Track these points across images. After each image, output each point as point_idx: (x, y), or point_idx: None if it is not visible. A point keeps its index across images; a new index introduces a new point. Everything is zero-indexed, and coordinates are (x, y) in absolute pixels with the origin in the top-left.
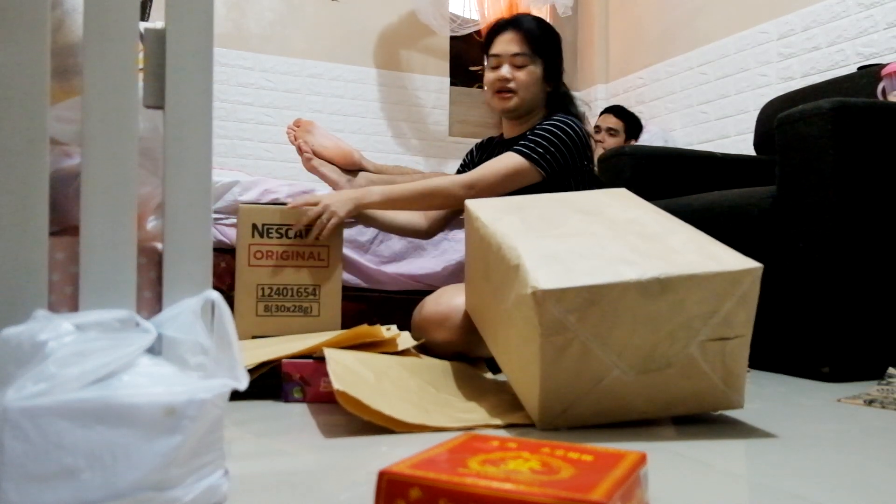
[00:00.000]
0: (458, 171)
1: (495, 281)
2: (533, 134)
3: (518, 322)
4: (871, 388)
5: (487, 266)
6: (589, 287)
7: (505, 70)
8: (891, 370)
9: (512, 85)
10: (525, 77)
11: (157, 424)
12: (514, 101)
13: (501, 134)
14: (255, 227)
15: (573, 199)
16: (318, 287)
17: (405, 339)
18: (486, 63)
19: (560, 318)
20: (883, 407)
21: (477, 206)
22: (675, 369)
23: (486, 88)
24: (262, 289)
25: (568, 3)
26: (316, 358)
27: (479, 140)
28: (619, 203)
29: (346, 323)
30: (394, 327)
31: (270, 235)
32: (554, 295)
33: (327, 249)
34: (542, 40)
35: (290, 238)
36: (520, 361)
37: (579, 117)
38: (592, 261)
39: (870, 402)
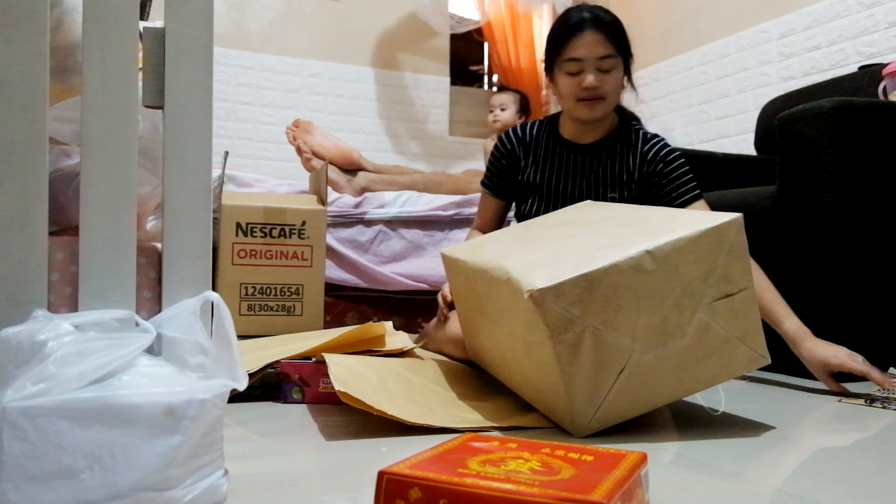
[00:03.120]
0: (492, 167)
1: (491, 308)
2: (680, 173)
3: (525, 334)
4: (872, 387)
5: (479, 298)
6: (584, 275)
7: (592, 78)
8: (892, 370)
9: (601, 91)
10: (614, 81)
11: (156, 424)
12: (602, 109)
13: (543, 122)
14: (238, 225)
15: (542, 220)
16: (302, 286)
17: (405, 339)
18: (557, 67)
19: (564, 313)
20: (884, 407)
21: (453, 251)
22: (692, 338)
23: (560, 94)
24: (246, 287)
25: (567, 2)
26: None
27: (508, 134)
28: (588, 209)
29: (346, 323)
30: (389, 324)
31: (254, 234)
32: (551, 291)
33: (311, 249)
34: (622, 36)
35: (273, 237)
36: (540, 379)
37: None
38: (578, 255)
39: (871, 402)
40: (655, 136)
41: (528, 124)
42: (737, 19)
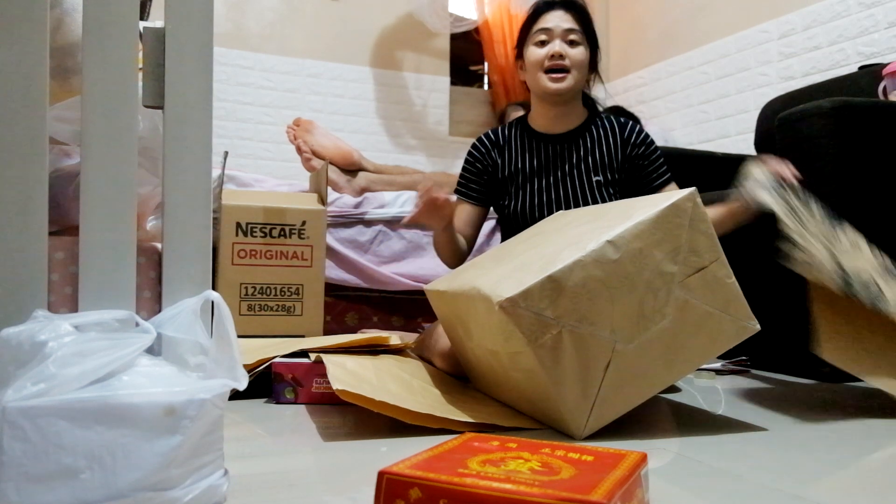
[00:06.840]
0: (466, 173)
1: (473, 329)
2: (656, 157)
3: (506, 346)
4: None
5: (462, 322)
6: (549, 277)
7: (558, 43)
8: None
9: (566, 62)
10: (580, 56)
11: (156, 424)
12: (568, 82)
13: (513, 122)
14: (239, 225)
15: (514, 239)
16: (302, 286)
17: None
18: (527, 44)
19: (536, 318)
20: None
21: (433, 285)
22: (673, 318)
23: (527, 69)
24: (246, 287)
25: None
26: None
27: (481, 139)
28: (556, 219)
29: (346, 323)
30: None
31: (254, 234)
32: (519, 298)
33: (311, 249)
34: (589, 23)
35: (273, 237)
36: (530, 388)
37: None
38: (543, 260)
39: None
40: (628, 121)
41: (500, 128)
42: (737, 19)
